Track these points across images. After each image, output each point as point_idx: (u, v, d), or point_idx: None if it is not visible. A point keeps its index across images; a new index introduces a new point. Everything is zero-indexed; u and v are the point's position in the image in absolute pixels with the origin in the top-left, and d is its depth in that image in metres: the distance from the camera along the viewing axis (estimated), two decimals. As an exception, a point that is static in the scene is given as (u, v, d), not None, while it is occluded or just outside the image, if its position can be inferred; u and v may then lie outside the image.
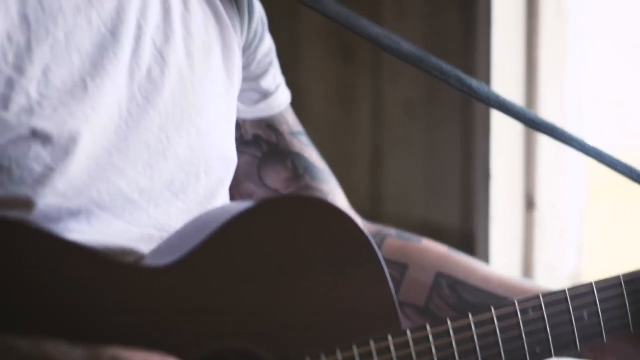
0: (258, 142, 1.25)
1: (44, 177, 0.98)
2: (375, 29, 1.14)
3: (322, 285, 1.01)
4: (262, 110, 1.25)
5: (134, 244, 1.04)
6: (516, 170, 2.03)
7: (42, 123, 0.98)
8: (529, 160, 2.03)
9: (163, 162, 1.06)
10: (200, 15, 1.13)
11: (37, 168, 0.98)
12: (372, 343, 1.00)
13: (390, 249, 1.29)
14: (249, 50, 1.21)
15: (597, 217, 2.11)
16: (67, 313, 0.92)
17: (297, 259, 1.00)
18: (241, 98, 1.21)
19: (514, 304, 1.07)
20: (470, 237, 2.02)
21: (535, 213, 2.04)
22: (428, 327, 1.02)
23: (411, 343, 1.01)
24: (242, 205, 1.01)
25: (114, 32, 1.03)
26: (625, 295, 1.14)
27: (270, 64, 1.25)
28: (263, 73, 1.24)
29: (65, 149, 0.99)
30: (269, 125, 1.25)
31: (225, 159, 1.14)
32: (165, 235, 1.07)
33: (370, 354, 0.99)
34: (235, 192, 1.25)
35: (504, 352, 1.06)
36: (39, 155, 0.98)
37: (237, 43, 1.16)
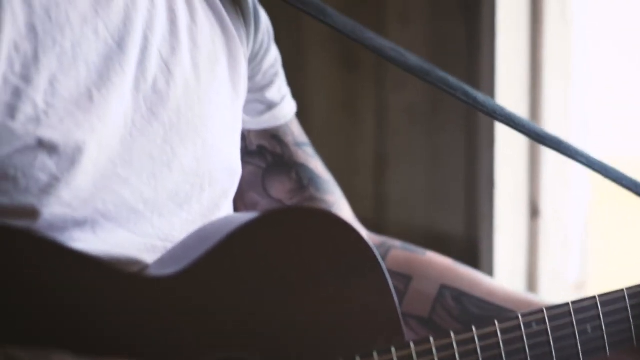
0: (262, 152, 1.25)
1: (50, 187, 0.98)
2: (381, 41, 1.14)
3: (326, 297, 1.01)
4: (266, 121, 1.25)
5: (138, 253, 1.05)
6: (520, 178, 2.02)
7: (49, 133, 0.97)
8: (533, 168, 2.03)
9: (167, 172, 1.06)
10: (207, 26, 1.13)
11: (43, 177, 0.98)
12: (375, 355, 1.00)
13: (395, 261, 1.29)
14: (254, 61, 1.21)
15: (601, 226, 2.11)
16: (71, 322, 0.92)
17: (300, 270, 1.01)
18: (246, 109, 1.21)
19: (518, 317, 1.07)
20: (474, 245, 2.02)
21: (540, 221, 2.03)
22: (431, 340, 1.02)
23: (414, 355, 1.01)
24: (246, 216, 1.01)
25: (120, 42, 1.03)
26: (629, 309, 1.14)
27: (276, 74, 1.25)
28: (268, 84, 1.24)
29: (71, 158, 0.99)
30: (274, 136, 1.25)
31: (230, 171, 1.14)
32: (169, 245, 1.07)
33: (373, 366, 1.00)
34: (240, 202, 1.25)
35: (507, 364, 1.06)
36: (44, 164, 0.98)
37: (242, 54, 1.16)
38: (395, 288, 1.10)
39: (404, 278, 1.28)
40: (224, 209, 1.13)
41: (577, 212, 2.05)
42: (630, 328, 1.14)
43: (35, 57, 0.98)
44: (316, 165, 1.28)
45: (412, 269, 1.28)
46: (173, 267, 0.98)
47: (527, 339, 1.07)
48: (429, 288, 1.27)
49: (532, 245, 2.04)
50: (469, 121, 2.01)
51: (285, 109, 1.26)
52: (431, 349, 1.02)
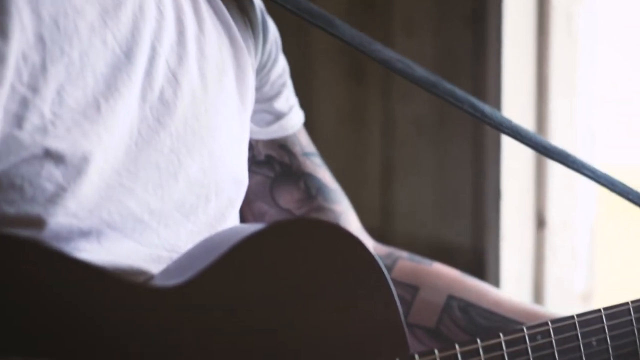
0: (270, 162, 1.25)
1: (56, 197, 0.98)
2: (388, 53, 1.14)
3: (332, 309, 1.01)
4: (274, 131, 1.25)
5: (144, 264, 1.04)
6: (527, 189, 2.02)
7: (56, 143, 0.97)
8: (539, 178, 2.03)
9: (174, 183, 1.06)
10: (214, 37, 1.13)
11: (49, 187, 0.98)
12: (380, 367, 1.00)
13: (402, 271, 1.29)
14: (262, 71, 1.21)
15: (607, 236, 2.11)
16: (76, 332, 0.92)
17: (307, 282, 1.01)
18: (254, 119, 1.21)
19: (523, 329, 1.07)
20: (480, 255, 2.02)
21: (546, 231, 2.03)
22: (436, 352, 1.02)
23: (419, 367, 1.01)
24: (253, 227, 1.01)
25: (128, 53, 1.03)
26: (634, 322, 1.14)
27: (284, 85, 1.25)
28: (276, 94, 1.24)
29: (77, 169, 0.99)
30: (282, 145, 1.25)
31: (236, 181, 1.14)
32: (175, 255, 1.07)
33: (378, 378, 1.00)
34: (247, 211, 1.25)
35: (513, 377, 1.06)
36: (51, 174, 0.98)
37: (250, 65, 1.16)
38: (402, 298, 1.10)
39: (411, 288, 1.28)
40: (230, 220, 1.13)
41: (584, 222, 2.05)
42: (635, 341, 1.14)
43: (43, 67, 0.97)
44: (324, 175, 1.28)
45: (419, 280, 1.28)
46: (178, 277, 0.98)
47: (532, 352, 1.07)
48: (436, 298, 1.27)
49: (539, 256, 2.04)
50: (475, 133, 2.01)
51: (293, 119, 1.26)
52: (436, 361, 1.02)
